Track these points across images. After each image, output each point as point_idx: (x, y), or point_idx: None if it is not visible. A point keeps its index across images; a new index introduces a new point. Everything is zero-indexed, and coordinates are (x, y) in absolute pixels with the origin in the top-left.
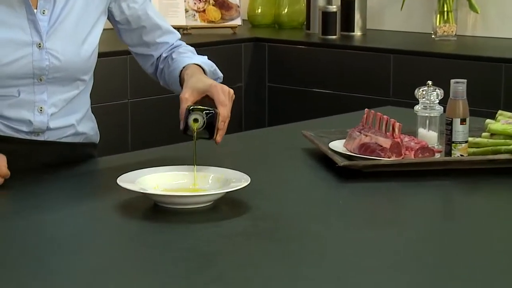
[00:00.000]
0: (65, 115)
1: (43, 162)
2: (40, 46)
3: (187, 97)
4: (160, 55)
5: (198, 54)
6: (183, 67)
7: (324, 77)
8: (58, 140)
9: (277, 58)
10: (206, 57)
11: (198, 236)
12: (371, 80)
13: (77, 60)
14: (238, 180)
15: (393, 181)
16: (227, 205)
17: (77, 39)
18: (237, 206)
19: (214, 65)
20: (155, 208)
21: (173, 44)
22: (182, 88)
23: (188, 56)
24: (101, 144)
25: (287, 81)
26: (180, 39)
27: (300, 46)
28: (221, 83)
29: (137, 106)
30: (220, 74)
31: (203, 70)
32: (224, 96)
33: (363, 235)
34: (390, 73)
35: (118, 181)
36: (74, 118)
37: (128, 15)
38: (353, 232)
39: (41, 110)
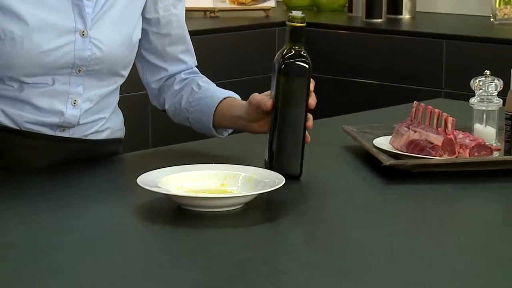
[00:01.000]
0: (98, 111)
1: (66, 159)
2: (83, 34)
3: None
4: (175, 74)
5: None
6: (224, 98)
7: (367, 65)
8: (83, 138)
9: (315, 44)
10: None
11: (227, 243)
12: (421, 69)
13: (121, 52)
14: (272, 181)
15: (445, 183)
16: (259, 208)
17: (122, 30)
18: (270, 209)
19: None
20: (179, 211)
21: (192, 68)
22: (211, 117)
23: (220, 90)
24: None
25: (325, 70)
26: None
27: (341, 31)
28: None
29: None
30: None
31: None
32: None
33: (412, 244)
34: (442, 61)
35: (138, 182)
36: (105, 114)
37: (161, 16)
38: (400, 240)
39: (74, 103)
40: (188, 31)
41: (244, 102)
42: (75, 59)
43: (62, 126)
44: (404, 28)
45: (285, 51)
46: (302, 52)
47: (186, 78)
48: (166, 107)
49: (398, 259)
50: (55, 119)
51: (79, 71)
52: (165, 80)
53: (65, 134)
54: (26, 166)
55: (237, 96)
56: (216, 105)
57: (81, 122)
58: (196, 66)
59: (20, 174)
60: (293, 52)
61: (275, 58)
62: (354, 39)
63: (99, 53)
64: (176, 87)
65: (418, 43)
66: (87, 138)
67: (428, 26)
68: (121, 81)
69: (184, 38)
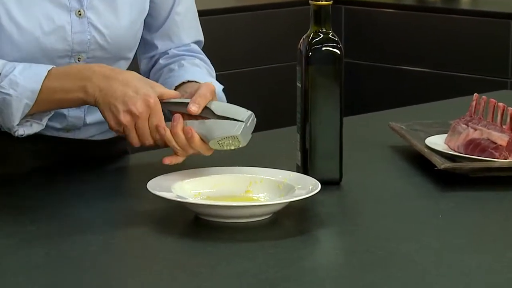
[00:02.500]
0: None
1: (66, 161)
2: (80, 14)
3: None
4: (166, 52)
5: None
6: (187, 81)
7: (419, 51)
8: (90, 139)
9: (356, 25)
10: (221, 87)
11: (252, 259)
12: (483, 55)
13: (124, 33)
14: (305, 186)
15: (510, 189)
16: (289, 219)
17: (124, 7)
18: (302, 220)
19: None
20: (196, 222)
21: (189, 45)
22: None
23: (201, 73)
24: None
25: (369, 56)
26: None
27: (388, 10)
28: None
29: None
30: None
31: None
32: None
33: (469, 262)
34: (509, 46)
35: (148, 187)
36: None
37: None
38: (456, 258)
39: None
40: (204, 10)
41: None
42: (73, 43)
43: (65, 129)
44: (463, 6)
45: (311, 35)
46: (330, 35)
47: (176, 55)
48: None
49: (453, 279)
50: (58, 124)
51: (79, 59)
52: (156, 61)
53: (70, 135)
54: (26, 168)
55: (217, 87)
56: (176, 84)
57: (87, 122)
58: (197, 44)
59: (15, 176)
60: (321, 36)
61: (299, 45)
62: (404, 20)
63: (99, 37)
64: (162, 61)
65: (479, 24)
66: (93, 139)
67: (492, 4)
68: (126, 64)
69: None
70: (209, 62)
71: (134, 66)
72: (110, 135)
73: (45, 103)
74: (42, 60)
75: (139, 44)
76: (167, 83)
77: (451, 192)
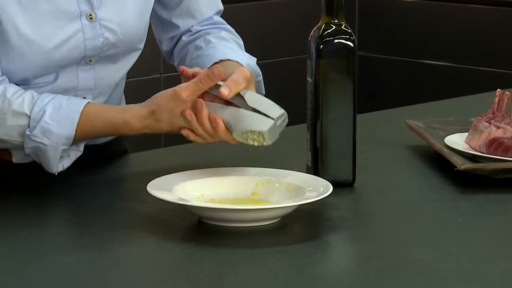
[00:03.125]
0: (110, 103)
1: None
2: (91, 18)
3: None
4: (189, 29)
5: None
6: (220, 60)
7: (439, 43)
8: (92, 143)
9: (371, 16)
10: (254, 59)
11: (259, 266)
12: (507, 47)
13: (135, 25)
14: (316, 188)
15: None
16: (299, 223)
17: (135, 2)
18: (313, 224)
19: (260, 72)
20: (199, 226)
21: (211, 18)
22: None
23: (231, 48)
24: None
25: (385, 49)
26: (221, 15)
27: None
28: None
29: (171, 81)
30: (260, 73)
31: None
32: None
33: (492, 268)
34: None
35: (148, 189)
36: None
37: None
38: (477, 263)
39: None
40: None
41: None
42: (86, 50)
43: None
44: None
45: (323, 27)
46: (343, 27)
47: (200, 30)
48: (175, 63)
49: None
50: None
51: (90, 61)
52: (178, 40)
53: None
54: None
55: (250, 62)
56: (208, 66)
57: None
58: (220, 15)
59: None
60: (333, 27)
61: (310, 37)
62: (421, 9)
63: (112, 37)
64: (186, 38)
65: (503, 15)
66: (95, 143)
67: None
68: (137, 55)
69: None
70: (234, 32)
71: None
72: (112, 137)
73: (82, 139)
74: (52, 69)
75: (157, 26)
76: (196, 63)
77: (472, 195)
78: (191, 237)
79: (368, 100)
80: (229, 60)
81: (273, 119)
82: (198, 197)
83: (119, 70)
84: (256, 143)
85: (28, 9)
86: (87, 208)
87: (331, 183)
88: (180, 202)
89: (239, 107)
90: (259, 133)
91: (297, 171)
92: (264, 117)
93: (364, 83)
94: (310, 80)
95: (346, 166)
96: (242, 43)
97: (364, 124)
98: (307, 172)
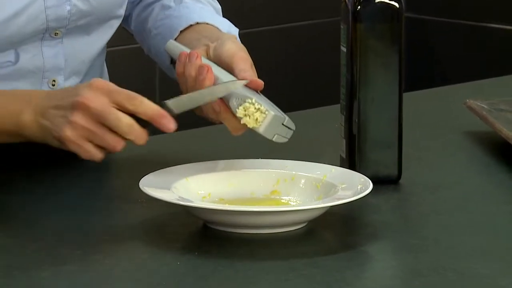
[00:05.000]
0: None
1: (34, 155)
2: None
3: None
4: None
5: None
6: (196, 23)
7: (508, 2)
8: None
9: None
10: (237, 30)
11: (280, 284)
12: None
13: None
14: (351, 185)
15: None
16: (330, 229)
17: None
18: (348, 231)
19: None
20: (204, 233)
21: None
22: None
23: (209, 11)
24: None
25: (440, 9)
26: None
27: None
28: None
29: None
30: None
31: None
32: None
33: None
34: None
35: (141, 186)
36: None
37: None
38: None
39: (53, 85)
40: None
41: (227, 38)
42: (49, 21)
43: None
44: None
45: None
46: None
47: None
48: (132, 27)
49: None
50: None
51: (56, 34)
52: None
53: None
54: None
55: (232, 31)
56: (181, 29)
57: None
58: None
59: None
60: None
61: None
62: None
63: (83, 4)
64: None
65: None
66: None
67: None
68: (118, 23)
69: None
70: None
71: None
72: None
73: None
74: (7, 46)
75: None
76: (163, 26)
77: None
78: (195, 247)
79: (418, 75)
80: (207, 24)
81: (280, 112)
82: (203, 196)
83: (94, 44)
84: (251, 124)
85: None
86: (63, 212)
87: (370, 179)
88: (181, 203)
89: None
90: (262, 112)
91: (328, 164)
92: (274, 108)
93: (413, 53)
94: (344, 49)
95: (390, 157)
96: (220, 8)
97: (413, 105)
98: (340, 166)
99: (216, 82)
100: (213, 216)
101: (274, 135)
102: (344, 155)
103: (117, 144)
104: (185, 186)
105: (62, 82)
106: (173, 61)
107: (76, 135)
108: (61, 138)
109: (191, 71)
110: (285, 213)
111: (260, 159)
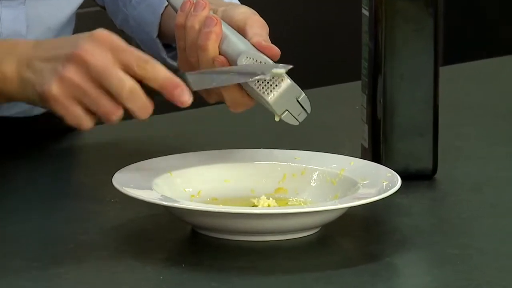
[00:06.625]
0: None
1: None
2: None
3: None
4: None
5: None
6: None
7: None
8: (16, 116)
9: None
10: None
11: None
12: None
13: None
14: (375, 182)
15: None
16: (349, 236)
17: None
18: (371, 238)
19: None
20: (193, 241)
21: None
22: (159, 18)
23: None
24: None
25: None
26: None
27: None
28: None
29: None
30: None
31: None
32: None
33: None
34: None
35: (115, 183)
36: None
37: None
38: None
39: None
40: None
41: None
42: None
43: None
44: None
45: None
46: None
47: None
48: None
49: None
50: None
51: None
52: None
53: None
54: None
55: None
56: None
57: None
58: None
59: None
60: None
61: None
62: None
63: None
64: None
65: None
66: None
67: None
68: None
69: None
70: None
71: None
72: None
73: None
74: None
75: None
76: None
77: None
78: (181, 258)
79: (459, 44)
80: None
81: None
82: (192, 195)
83: (63, 8)
84: (256, 88)
85: None
86: (17, 215)
87: (399, 173)
88: (164, 203)
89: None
90: (276, 75)
91: (346, 155)
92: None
93: (452, 17)
94: (366, 13)
95: (423, 147)
96: None
97: (452, 83)
98: (362, 157)
99: (224, 41)
100: (204, 220)
101: (285, 111)
102: (366, 144)
103: (114, 111)
104: (169, 182)
105: None
106: (161, 33)
107: (64, 93)
108: (45, 94)
109: (195, 22)
110: (293, 215)
111: (262, 149)
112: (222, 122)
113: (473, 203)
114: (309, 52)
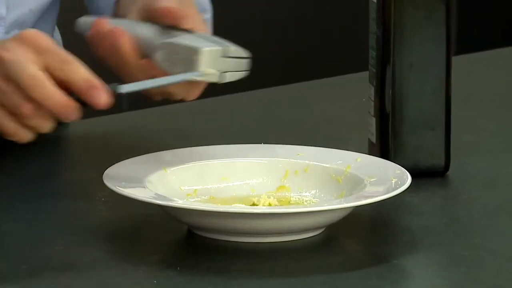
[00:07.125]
0: None
1: None
2: None
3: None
4: None
5: None
6: None
7: None
8: None
9: None
10: None
11: None
12: None
13: None
14: (383, 179)
15: None
16: (355, 237)
17: None
18: (379, 239)
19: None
20: (189, 242)
21: None
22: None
23: None
24: None
25: None
26: None
27: None
28: None
29: None
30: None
31: None
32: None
33: None
34: None
35: (106, 181)
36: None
37: None
38: None
39: None
40: None
41: None
42: None
43: None
44: None
45: None
46: None
47: None
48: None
49: None
50: None
51: None
52: None
53: None
54: None
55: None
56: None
57: None
58: None
59: None
60: None
61: None
62: None
63: None
64: None
65: None
66: None
67: None
68: None
69: None
70: None
71: None
72: None
73: None
74: None
75: None
76: None
77: None
78: (177, 260)
79: (473, 32)
80: None
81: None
82: (188, 193)
83: None
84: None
85: None
86: (5, 214)
87: (409, 170)
88: (158, 202)
89: None
90: (192, 51)
91: (352, 150)
92: (207, 42)
93: (465, 3)
94: (373, 15)
95: (434, 142)
96: None
97: (465, 73)
98: (369, 153)
99: (142, 41)
100: (201, 220)
101: (219, 73)
102: (373, 139)
103: (21, 104)
104: (164, 179)
105: (2, 35)
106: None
107: None
108: None
109: (104, 43)
110: (296, 215)
111: (263, 144)
112: (220, 115)
113: (487, 201)
114: (312, 40)
